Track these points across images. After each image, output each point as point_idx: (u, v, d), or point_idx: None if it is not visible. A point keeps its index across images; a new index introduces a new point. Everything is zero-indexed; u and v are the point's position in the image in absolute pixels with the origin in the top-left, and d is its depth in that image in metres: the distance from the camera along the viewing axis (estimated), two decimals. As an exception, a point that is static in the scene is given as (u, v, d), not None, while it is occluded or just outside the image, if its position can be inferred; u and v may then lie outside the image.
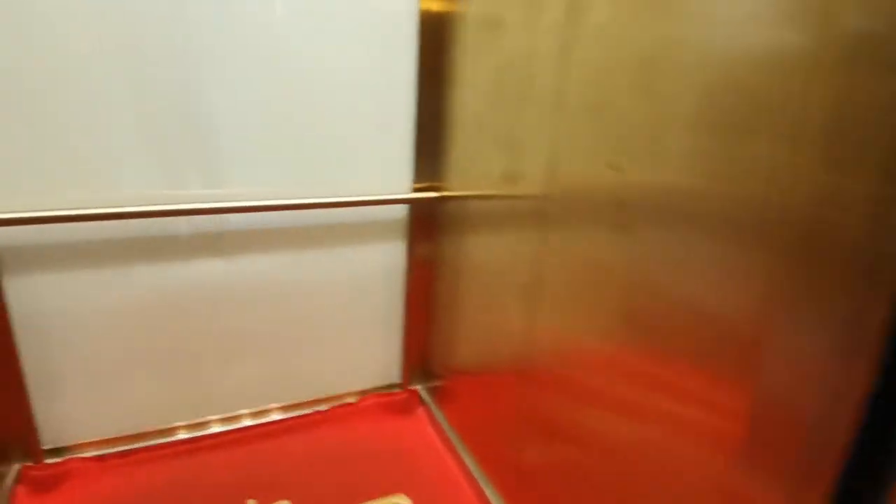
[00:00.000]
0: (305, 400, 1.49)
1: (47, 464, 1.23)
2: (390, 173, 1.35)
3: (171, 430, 1.36)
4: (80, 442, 1.28)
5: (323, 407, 1.49)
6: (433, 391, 1.56)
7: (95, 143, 1.07)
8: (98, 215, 1.09)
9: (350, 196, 1.30)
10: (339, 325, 1.46)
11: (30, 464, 1.22)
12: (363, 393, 1.55)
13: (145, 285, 1.21)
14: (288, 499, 1.18)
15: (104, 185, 1.10)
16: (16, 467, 1.21)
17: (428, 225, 1.42)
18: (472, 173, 1.24)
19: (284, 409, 1.46)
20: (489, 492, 1.20)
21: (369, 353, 1.54)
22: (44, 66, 1.00)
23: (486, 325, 1.23)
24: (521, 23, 0.99)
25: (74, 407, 1.25)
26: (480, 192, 1.19)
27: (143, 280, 1.21)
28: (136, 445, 1.31)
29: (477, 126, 1.19)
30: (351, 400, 1.53)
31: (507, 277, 1.09)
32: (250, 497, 1.17)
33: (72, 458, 1.25)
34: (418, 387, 1.60)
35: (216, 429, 1.39)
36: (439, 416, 1.47)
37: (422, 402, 1.56)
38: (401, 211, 1.42)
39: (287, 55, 1.16)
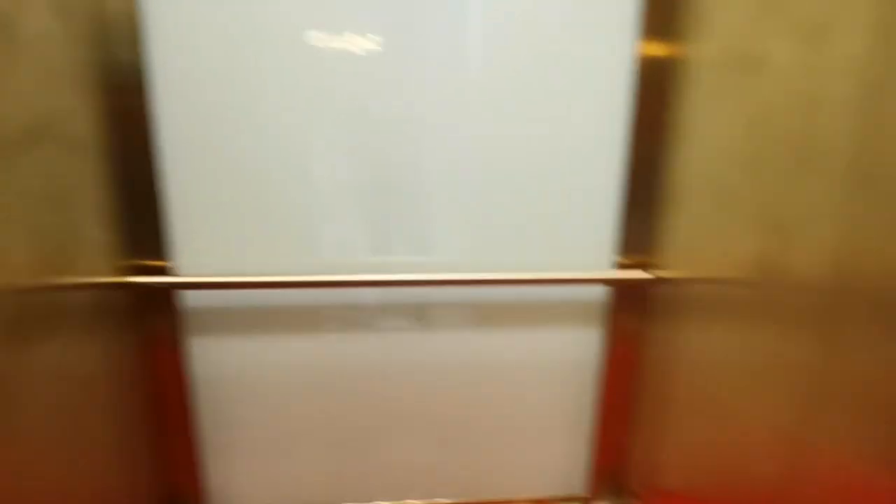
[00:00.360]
0: (475, 500, 1.31)
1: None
2: (588, 247, 1.17)
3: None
4: (247, 510, 1.24)
5: (493, 512, 1.30)
6: (627, 514, 1.28)
7: (300, 211, 1.07)
8: (296, 283, 1.06)
9: (538, 273, 1.13)
10: (519, 418, 1.28)
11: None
12: (539, 502, 1.32)
13: (330, 355, 1.17)
14: None
15: (305, 251, 1.09)
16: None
17: (633, 309, 1.20)
18: (702, 251, 1.00)
19: (452, 508, 1.30)
20: None
21: (550, 455, 1.32)
22: (255, 132, 1.02)
23: (714, 440, 0.97)
24: (792, 61, 0.77)
25: (245, 474, 1.22)
26: (715, 275, 0.95)
27: (329, 350, 1.16)
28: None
29: (714, 194, 0.95)
30: (525, 509, 1.31)
31: (758, 385, 0.85)
32: None
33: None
34: (607, 505, 1.32)
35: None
36: (634, 548, 1.19)
37: (611, 525, 1.29)
38: (598, 292, 1.21)
39: (491, 117, 1.08)
